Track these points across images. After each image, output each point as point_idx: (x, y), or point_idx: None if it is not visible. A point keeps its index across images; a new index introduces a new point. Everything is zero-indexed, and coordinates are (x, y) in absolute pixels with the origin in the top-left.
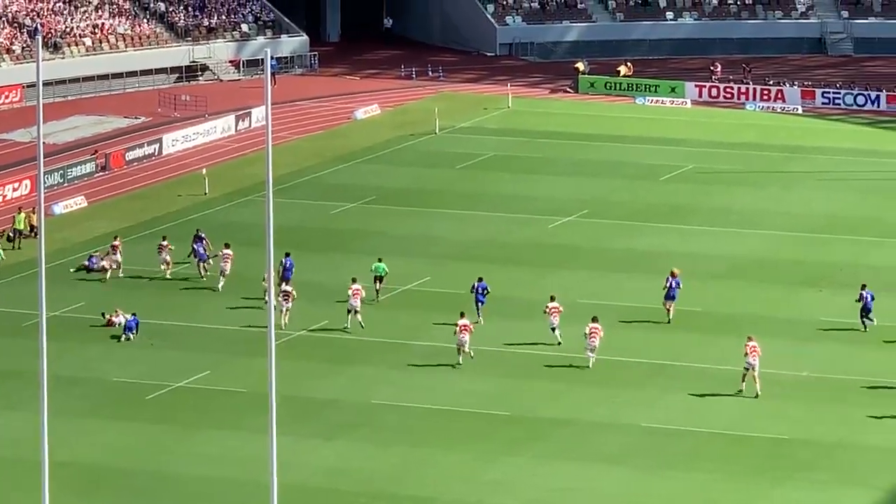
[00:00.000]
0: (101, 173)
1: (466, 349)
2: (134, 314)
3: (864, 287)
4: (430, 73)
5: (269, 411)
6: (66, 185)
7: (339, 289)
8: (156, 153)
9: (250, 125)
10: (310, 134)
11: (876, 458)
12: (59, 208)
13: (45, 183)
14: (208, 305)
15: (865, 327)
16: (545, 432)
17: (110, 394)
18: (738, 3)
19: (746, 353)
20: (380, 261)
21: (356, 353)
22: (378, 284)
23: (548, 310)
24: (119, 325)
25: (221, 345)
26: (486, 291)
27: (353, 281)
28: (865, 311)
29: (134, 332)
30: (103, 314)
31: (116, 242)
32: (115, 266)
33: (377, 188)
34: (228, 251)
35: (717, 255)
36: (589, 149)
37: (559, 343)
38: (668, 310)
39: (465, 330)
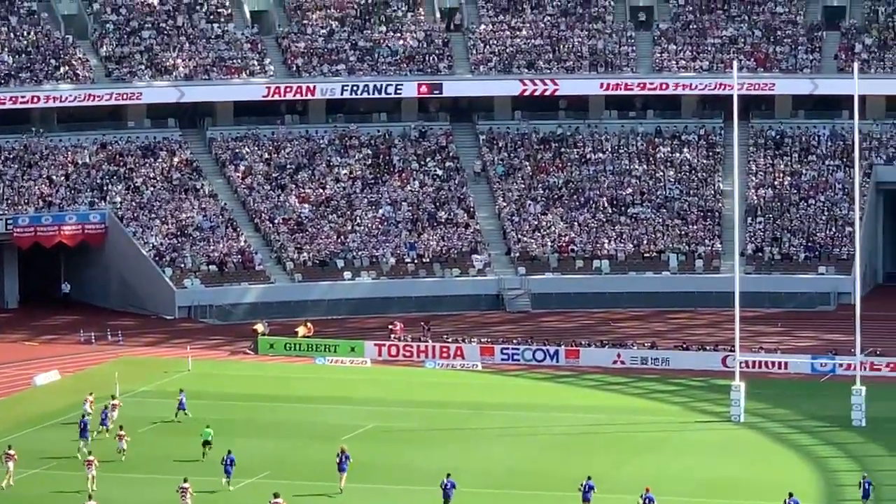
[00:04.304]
0: None
1: None
2: None
3: (448, 474)
4: (110, 338)
5: None
6: None
7: None
8: None
9: None
10: None
11: None
12: None
13: None
14: None
15: None
16: None
17: None
18: (416, 261)
19: None
20: (207, 427)
21: None
22: (206, 448)
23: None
24: None
25: None
26: (233, 463)
27: None
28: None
29: None
30: None
31: None
32: None
33: (59, 455)
34: None
35: None
36: (270, 410)
37: None
38: (341, 481)
39: None
